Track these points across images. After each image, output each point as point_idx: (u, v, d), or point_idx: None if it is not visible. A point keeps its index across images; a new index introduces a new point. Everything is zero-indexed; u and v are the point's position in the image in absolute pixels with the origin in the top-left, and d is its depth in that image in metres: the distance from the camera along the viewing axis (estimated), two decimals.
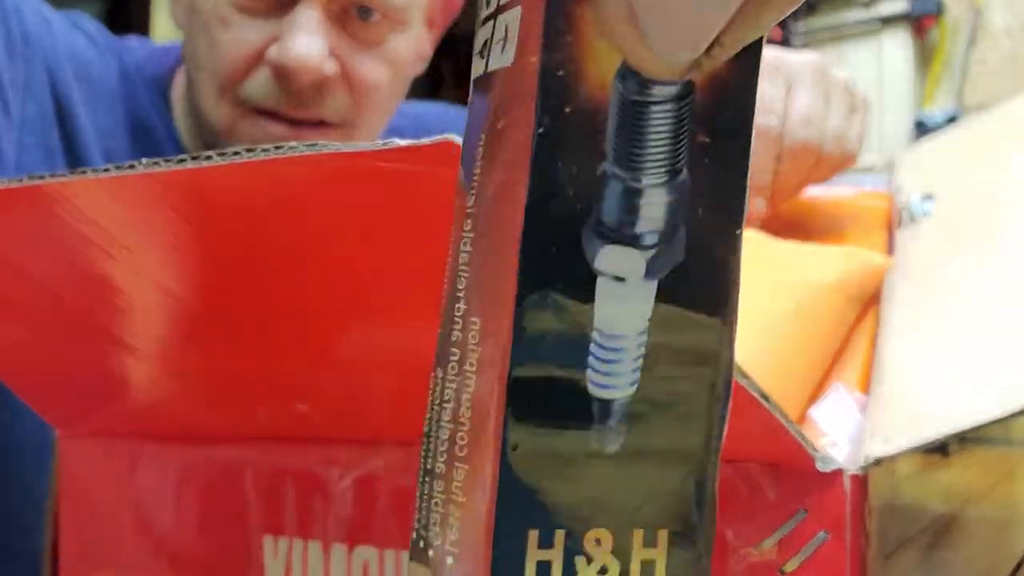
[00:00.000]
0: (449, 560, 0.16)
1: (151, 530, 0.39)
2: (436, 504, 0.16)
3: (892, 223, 0.52)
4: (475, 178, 0.16)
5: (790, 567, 0.28)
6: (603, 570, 0.16)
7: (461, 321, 0.16)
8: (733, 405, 0.27)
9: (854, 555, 0.27)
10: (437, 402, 0.17)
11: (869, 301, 0.43)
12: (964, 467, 0.47)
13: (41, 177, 0.26)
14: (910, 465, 0.39)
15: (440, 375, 0.17)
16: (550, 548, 0.15)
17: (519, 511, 0.15)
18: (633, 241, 0.15)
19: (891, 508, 0.32)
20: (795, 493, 0.28)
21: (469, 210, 0.16)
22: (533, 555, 0.15)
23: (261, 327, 0.32)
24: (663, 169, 0.15)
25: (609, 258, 0.15)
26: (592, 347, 0.16)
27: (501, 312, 0.15)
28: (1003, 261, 0.39)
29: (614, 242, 0.15)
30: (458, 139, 0.21)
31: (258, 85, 0.55)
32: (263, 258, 0.29)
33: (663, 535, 0.16)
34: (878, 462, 0.28)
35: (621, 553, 0.16)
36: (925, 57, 1.68)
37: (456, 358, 0.16)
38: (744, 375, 0.26)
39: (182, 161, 0.24)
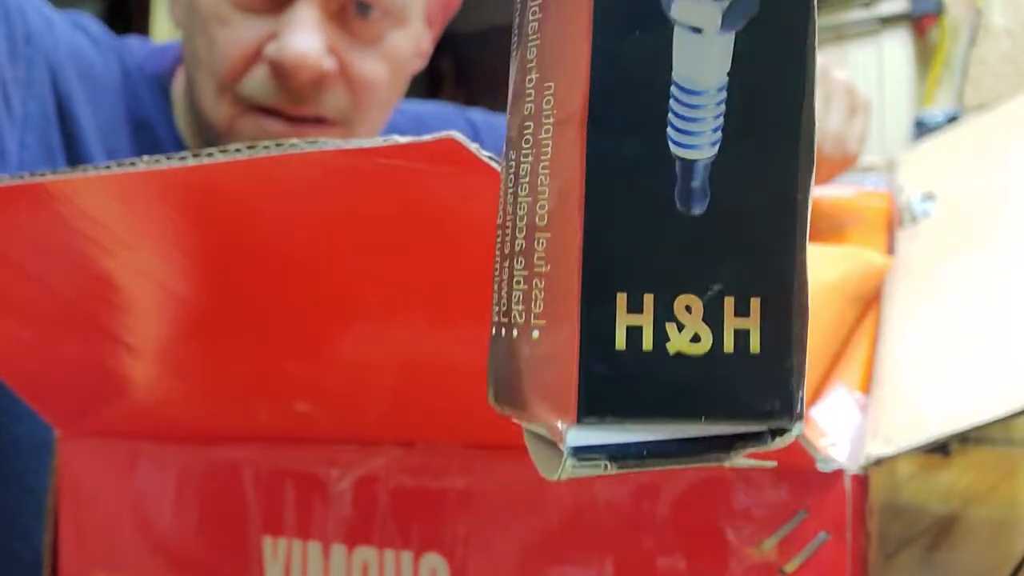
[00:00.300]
0: (535, 333, 0.15)
1: (151, 530, 0.39)
2: (518, 282, 0.16)
3: (892, 223, 0.52)
4: None
5: (790, 567, 0.28)
6: (695, 338, 0.15)
7: (534, 91, 0.16)
8: None
9: (855, 555, 0.27)
10: (512, 184, 0.16)
11: (869, 301, 0.43)
12: (965, 467, 0.46)
13: (42, 174, 0.26)
14: (911, 465, 0.38)
15: (513, 156, 0.16)
16: (640, 313, 0.15)
17: (606, 272, 0.15)
18: None
19: (892, 508, 0.32)
20: (795, 493, 0.28)
21: None
22: (623, 319, 0.15)
23: (261, 326, 0.32)
24: None
25: (685, 7, 0.15)
26: (672, 103, 0.15)
27: (577, 66, 0.15)
28: (1003, 261, 0.39)
29: None
30: (459, 137, 0.21)
31: (257, 83, 0.55)
32: (263, 256, 0.29)
33: (755, 303, 0.16)
34: (879, 462, 0.28)
35: (713, 321, 0.15)
36: (925, 57, 1.68)
37: (530, 130, 0.16)
38: None
39: (183, 159, 0.24)
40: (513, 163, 0.16)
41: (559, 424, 0.15)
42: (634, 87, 0.15)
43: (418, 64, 0.64)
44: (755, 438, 0.16)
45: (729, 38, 0.15)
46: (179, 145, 0.61)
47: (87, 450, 0.41)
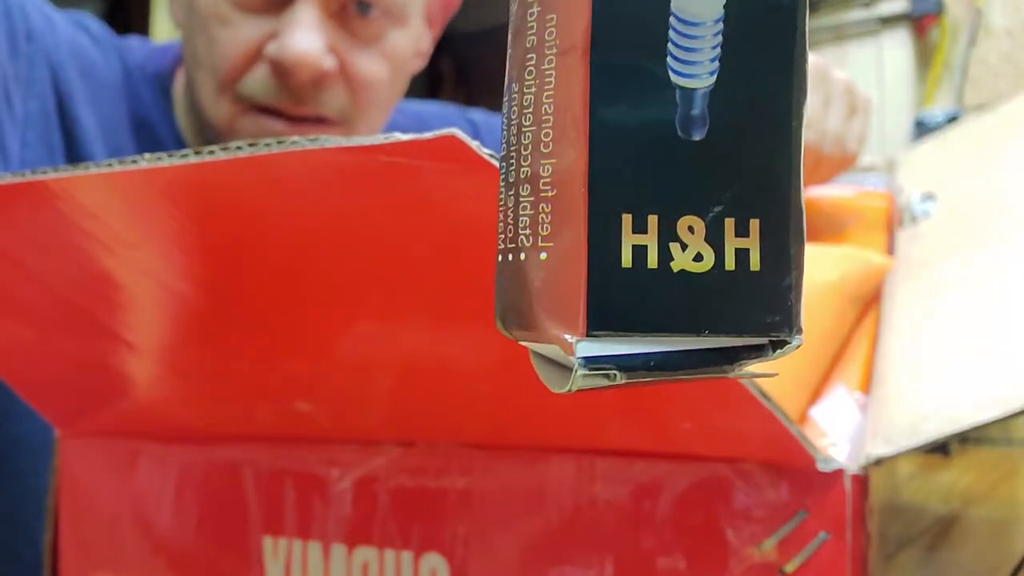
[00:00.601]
0: (543, 255, 0.16)
1: (151, 530, 0.39)
2: (524, 208, 0.16)
3: (892, 223, 0.52)
4: None
5: (790, 567, 0.28)
6: (698, 257, 0.16)
7: (535, 24, 0.16)
8: (732, 405, 0.27)
9: (855, 555, 0.27)
10: (516, 115, 0.17)
11: (869, 301, 0.43)
12: (965, 467, 0.47)
13: (44, 172, 0.26)
14: (911, 465, 0.39)
15: (516, 88, 0.17)
16: (644, 233, 0.16)
17: (611, 194, 0.16)
18: None
19: (892, 508, 0.32)
20: (795, 493, 0.28)
21: None
22: (628, 239, 0.16)
23: (262, 324, 0.32)
24: None
25: None
26: (671, 33, 0.16)
27: None
28: (1003, 261, 0.39)
29: None
30: (460, 134, 0.21)
31: (257, 82, 0.55)
32: (264, 255, 0.29)
33: (755, 224, 0.16)
34: (879, 462, 0.28)
35: (715, 241, 0.16)
36: (925, 57, 1.68)
37: (533, 62, 0.16)
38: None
39: (185, 156, 0.24)
40: (516, 95, 0.17)
41: (569, 338, 0.16)
42: (634, 18, 0.16)
43: (418, 64, 0.64)
44: (757, 350, 0.17)
45: None
46: (180, 145, 0.61)
47: (87, 449, 0.41)
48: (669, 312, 0.16)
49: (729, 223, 0.16)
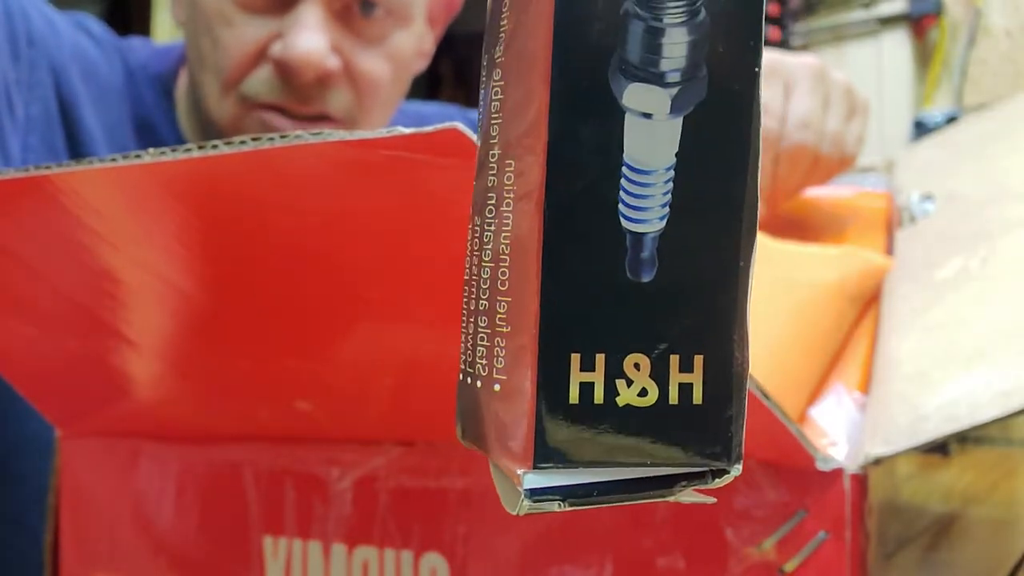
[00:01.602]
0: (497, 387, 0.17)
1: (151, 530, 0.39)
2: (482, 339, 0.17)
3: (892, 223, 0.52)
4: (503, 27, 0.17)
5: (790, 567, 0.28)
6: (643, 392, 0.17)
7: (496, 166, 0.17)
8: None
9: (854, 555, 0.27)
10: (476, 248, 0.18)
11: (869, 301, 0.43)
12: (964, 467, 0.47)
13: (47, 167, 0.26)
14: (910, 465, 0.39)
15: (478, 222, 0.18)
16: (592, 371, 0.16)
17: (561, 335, 0.16)
18: (657, 79, 0.16)
19: (891, 508, 0.32)
20: (795, 493, 0.28)
21: (498, 59, 0.17)
22: (576, 377, 0.16)
23: (263, 322, 0.32)
24: (682, 9, 0.16)
25: (635, 95, 0.16)
26: (623, 182, 0.16)
27: (535, 147, 0.16)
28: (1002, 261, 0.39)
29: (639, 80, 0.16)
30: (462, 127, 0.21)
31: (261, 82, 0.55)
32: (266, 251, 0.29)
33: (699, 360, 0.17)
34: (878, 462, 0.29)
35: (659, 376, 0.17)
36: (925, 57, 1.68)
37: (493, 201, 0.17)
38: None
39: (188, 150, 0.24)
40: (478, 228, 0.18)
41: (517, 470, 0.17)
42: (588, 168, 0.16)
43: (421, 64, 0.64)
44: (698, 477, 0.18)
45: (677, 122, 0.17)
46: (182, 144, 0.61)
47: (88, 449, 0.41)
48: (613, 445, 0.17)
49: (674, 359, 0.17)
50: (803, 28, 1.73)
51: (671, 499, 0.18)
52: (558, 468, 0.17)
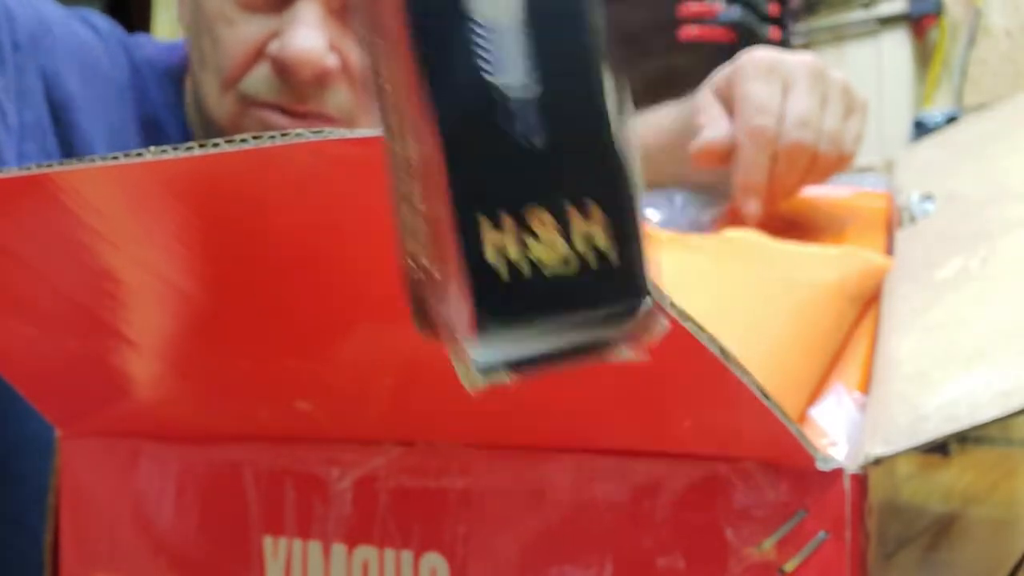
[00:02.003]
0: (427, 264, 0.18)
1: (151, 530, 0.39)
2: (408, 222, 0.19)
3: (892, 223, 0.52)
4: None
5: (790, 567, 0.28)
6: (553, 246, 0.17)
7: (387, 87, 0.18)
8: (731, 404, 0.27)
9: (854, 555, 0.28)
10: (390, 138, 0.19)
11: (869, 301, 0.43)
12: (964, 467, 0.47)
13: (48, 166, 0.26)
14: (910, 465, 0.39)
15: (384, 119, 0.19)
16: (500, 230, 0.17)
17: (467, 197, 0.17)
18: None
19: (891, 508, 0.32)
20: (795, 493, 0.28)
21: None
22: (489, 239, 0.17)
23: (263, 322, 0.32)
24: None
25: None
26: (480, 40, 0.17)
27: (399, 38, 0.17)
28: (1002, 261, 0.39)
29: None
30: None
31: (260, 80, 0.55)
32: (266, 251, 0.29)
33: (594, 207, 0.18)
34: (878, 462, 0.28)
35: (564, 228, 0.17)
36: (924, 57, 1.68)
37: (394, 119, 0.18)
38: (744, 372, 0.26)
39: (189, 149, 0.24)
40: (384, 124, 0.19)
41: (465, 346, 0.18)
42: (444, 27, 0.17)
43: None
44: (618, 317, 0.18)
45: None
46: (188, 141, 0.61)
47: (88, 449, 0.41)
48: (541, 305, 0.18)
49: (573, 210, 0.17)
50: (803, 28, 1.73)
51: (609, 358, 0.18)
52: (499, 338, 0.17)
